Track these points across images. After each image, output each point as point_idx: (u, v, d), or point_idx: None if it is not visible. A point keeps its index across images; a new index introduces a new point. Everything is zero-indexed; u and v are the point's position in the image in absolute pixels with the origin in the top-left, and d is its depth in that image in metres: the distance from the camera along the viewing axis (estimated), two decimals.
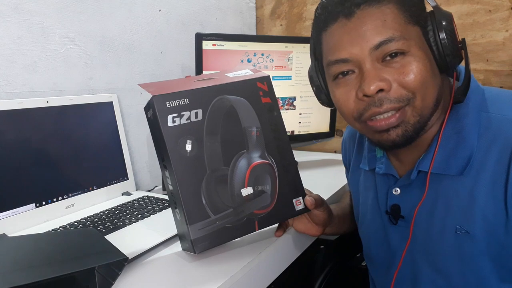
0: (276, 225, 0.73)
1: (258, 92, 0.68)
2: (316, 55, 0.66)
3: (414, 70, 0.55)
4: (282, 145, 0.68)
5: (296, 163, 0.70)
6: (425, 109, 0.57)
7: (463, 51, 0.58)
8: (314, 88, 0.70)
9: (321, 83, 0.67)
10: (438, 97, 0.58)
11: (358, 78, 0.58)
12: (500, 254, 0.56)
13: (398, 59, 0.55)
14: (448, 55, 0.56)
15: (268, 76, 0.69)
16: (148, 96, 0.61)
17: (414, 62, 0.55)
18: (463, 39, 0.58)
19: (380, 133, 0.59)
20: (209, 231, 0.61)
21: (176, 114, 0.61)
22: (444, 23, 0.56)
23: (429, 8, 0.59)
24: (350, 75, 0.59)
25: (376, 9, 0.55)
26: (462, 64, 0.61)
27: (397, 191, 0.66)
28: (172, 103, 0.61)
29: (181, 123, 0.61)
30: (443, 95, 0.60)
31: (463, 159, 0.57)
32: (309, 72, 0.71)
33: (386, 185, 0.68)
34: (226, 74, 0.69)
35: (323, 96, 0.69)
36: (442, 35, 0.56)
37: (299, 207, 0.69)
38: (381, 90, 0.55)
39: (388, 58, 0.55)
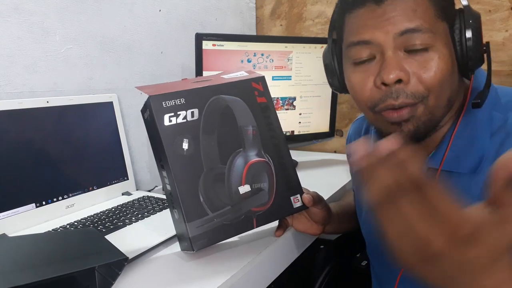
0: (276, 224, 0.73)
1: (253, 92, 0.68)
2: (335, 35, 0.65)
3: (435, 67, 0.54)
4: (279, 143, 0.69)
5: (292, 161, 0.71)
6: (437, 108, 0.56)
7: (485, 54, 0.56)
8: (326, 70, 0.68)
9: (335, 66, 0.66)
10: (451, 98, 0.57)
11: (378, 65, 0.56)
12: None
13: (422, 52, 0.54)
14: (470, 57, 0.55)
15: (263, 77, 0.70)
16: (147, 97, 0.62)
17: (437, 59, 0.54)
18: (488, 43, 0.56)
19: (393, 126, 0.58)
20: (207, 228, 0.62)
21: (172, 114, 0.62)
22: (472, 23, 0.55)
23: (458, 6, 0.58)
24: (370, 61, 0.57)
25: None
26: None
27: None
28: (168, 102, 0.62)
29: (178, 122, 0.62)
30: (457, 96, 0.60)
31: (475, 158, 0.57)
32: (323, 54, 0.69)
33: None
34: (222, 76, 0.70)
35: (336, 80, 0.67)
36: (469, 36, 0.55)
37: (297, 204, 0.69)
38: (399, 81, 0.54)
39: (412, 49, 0.54)
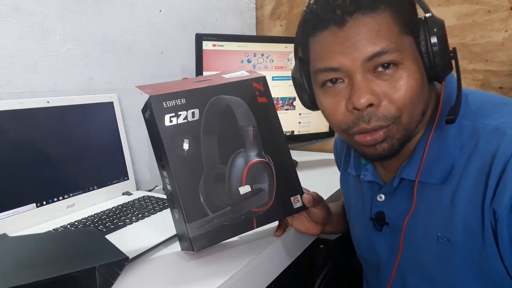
0: (276, 224, 0.73)
1: (254, 92, 0.68)
2: (301, 57, 0.65)
3: (405, 85, 0.53)
4: (279, 143, 0.69)
5: (293, 161, 0.71)
6: (411, 124, 0.56)
7: (453, 60, 0.56)
8: (297, 90, 0.68)
9: (305, 86, 0.66)
10: (424, 109, 0.57)
11: (348, 88, 0.55)
12: (481, 263, 0.55)
13: (390, 71, 0.53)
14: (438, 64, 0.54)
15: (264, 77, 0.70)
16: (148, 96, 0.62)
17: (406, 76, 0.53)
18: (454, 48, 0.56)
19: (367, 147, 0.58)
20: (207, 229, 0.62)
21: (173, 114, 0.61)
22: (436, 31, 0.54)
23: (420, 14, 0.57)
24: (339, 83, 0.57)
25: (370, 18, 0.52)
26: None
27: (381, 197, 0.65)
28: (169, 103, 0.61)
29: (178, 122, 0.62)
30: (429, 105, 0.59)
31: (445, 168, 0.57)
32: (292, 73, 0.69)
33: (370, 191, 0.68)
34: (222, 75, 0.70)
35: (306, 98, 0.67)
36: (434, 44, 0.54)
37: (297, 205, 0.69)
38: (370, 105, 0.53)
39: (380, 68, 0.53)
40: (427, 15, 0.55)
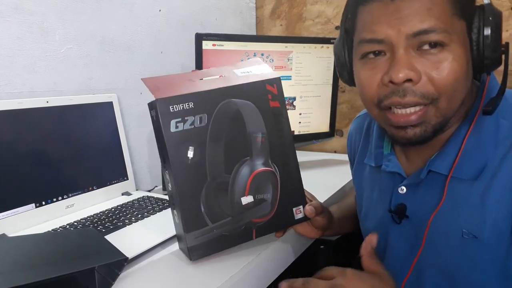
0: None
1: (267, 95, 0.65)
2: (347, 27, 0.63)
3: (448, 68, 0.51)
4: (287, 152, 0.66)
5: (299, 169, 0.69)
6: (449, 110, 0.55)
7: (504, 56, 0.54)
8: (336, 61, 0.66)
9: (346, 59, 0.64)
10: (464, 99, 0.56)
11: (388, 62, 0.54)
12: (506, 262, 0.55)
13: (436, 51, 0.52)
14: (487, 57, 0.53)
15: (279, 78, 0.66)
16: (149, 95, 0.60)
17: (451, 59, 0.51)
18: (507, 43, 0.54)
19: (397, 129, 0.57)
20: (205, 239, 0.61)
21: (179, 119, 0.59)
22: (491, 21, 0.52)
23: (480, 2, 0.55)
24: (380, 57, 0.55)
25: None
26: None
27: (403, 190, 0.64)
28: (176, 107, 0.58)
29: (184, 128, 0.59)
30: (469, 98, 0.58)
31: (478, 165, 0.56)
32: (335, 46, 0.67)
33: (392, 183, 0.67)
34: (234, 70, 0.67)
35: (345, 73, 0.65)
36: (486, 34, 0.52)
37: (299, 215, 0.68)
38: (409, 80, 0.52)
39: (426, 47, 0.52)
40: (486, 1, 0.53)
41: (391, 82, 0.53)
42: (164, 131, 0.58)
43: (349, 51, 0.63)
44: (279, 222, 0.67)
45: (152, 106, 0.60)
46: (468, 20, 0.53)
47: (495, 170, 0.55)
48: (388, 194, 0.67)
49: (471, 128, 0.57)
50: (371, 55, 0.56)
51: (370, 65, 0.56)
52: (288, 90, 1.24)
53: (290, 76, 1.24)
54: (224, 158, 0.62)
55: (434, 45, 0.52)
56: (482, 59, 0.53)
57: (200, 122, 0.60)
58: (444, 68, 0.52)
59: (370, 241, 0.57)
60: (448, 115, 0.55)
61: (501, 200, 0.54)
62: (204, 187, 0.61)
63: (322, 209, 0.71)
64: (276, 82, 0.66)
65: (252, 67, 0.68)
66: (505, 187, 0.54)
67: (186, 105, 0.59)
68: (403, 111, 0.55)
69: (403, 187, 0.64)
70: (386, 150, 0.69)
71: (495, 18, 0.52)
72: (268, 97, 0.65)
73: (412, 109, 0.54)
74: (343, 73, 0.66)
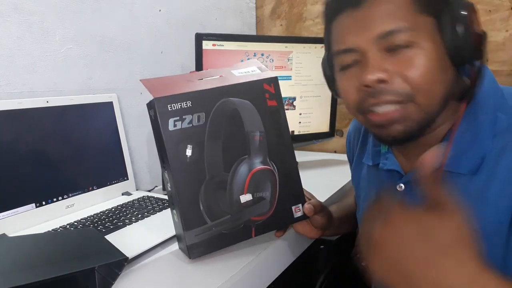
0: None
1: (264, 94, 0.66)
2: (327, 43, 0.65)
3: (418, 64, 0.52)
4: (285, 150, 0.67)
5: (297, 167, 0.69)
6: (431, 106, 0.55)
7: (481, 46, 0.54)
8: (324, 77, 0.69)
9: (331, 74, 0.66)
10: (446, 94, 0.56)
11: (363, 68, 0.56)
12: (505, 255, 0.55)
13: (405, 50, 0.53)
14: (462, 48, 0.53)
15: (276, 78, 0.67)
16: (149, 95, 0.61)
17: (421, 55, 0.52)
18: (484, 33, 0.54)
19: (379, 128, 0.57)
20: (205, 237, 0.61)
21: (177, 118, 0.59)
22: (461, 14, 0.53)
23: None
24: (355, 66, 0.57)
25: None
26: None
27: (401, 187, 0.64)
28: (174, 106, 0.59)
29: (183, 127, 0.60)
30: (455, 92, 0.58)
31: (476, 159, 0.56)
32: (322, 61, 0.70)
33: (390, 181, 0.67)
34: (232, 71, 0.67)
35: (332, 87, 0.68)
36: (458, 27, 0.52)
37: (298, 214, 0.68)
38: (381, 81, 0.54)
39: (395, 48, 0.53)
40: None
41: (365, 86, 0.55)
42: (162, 129, 0.59)
43: (331, 66, 0.65)
44: (278, 221, 0.67)
45: (150, 106, 0.61)
46: (437, 16, 0.54)
47: (494, 164, 0.55)
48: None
49: (458, 121, 0.57)
50: (349, 66, 0.58)
51: (347, 75, 0.59)
52: (288, 90, 1.24)
53: (290, 76, 1.24)
54: (223, 156, 0.63)
55: (402, 45, 0.53)
56: (457, 52, 0.54)
57: (198, 120, 0.61)
58: (415, 64, 0.53)
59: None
60: (431, 111, 0.55)
61: (501, 193, 0.54)
62: (203, 185, 0.61)
63: (321, 207, 0.71)
64: (273, 82, 0.67)
65: (250, 67, 0.69)
66: (504, 180, 0.54)
67: (184, 104, 0.60)
68: (382, 109, 0.56)
69: (402, 185, 0.64)
70: (383, 148, 0.69)
71: (463, 9, 0.53)
72: (265, 96, 0.66)
73: (393, 107, 0.55)
74: (331, 86, 0.69)
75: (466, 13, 0.53)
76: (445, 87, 0.56)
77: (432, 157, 0.42)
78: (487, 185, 0.55)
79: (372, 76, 0.53)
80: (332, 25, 0.60)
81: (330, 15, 0.60)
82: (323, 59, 0.69)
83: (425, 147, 0.61)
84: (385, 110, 0.55)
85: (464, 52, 0.54)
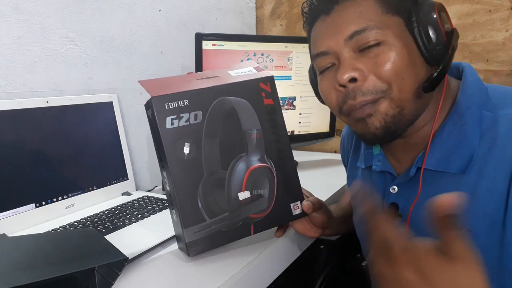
0: (273, 228, 0.72)
1: (261, 93, 0.67)
2: (310, 53, 0.68)
3: (388, 59, 0.55)
4: (283, 148, 0.67)
5: (295, 165, 0.69)
6: (403, 100, 0.56)
7: (452, 40, 0.56)
8: (311, 84, 0.71)
9: (315, 80, 0.68)
10: (418, 87, 0.57)
11: (337, 69, 0.59)
12: (500, 252, 0.55)
13: (374, 49, 0.55)
14: (430, 44, 0.56)
15: (272, 77, 0.68)
16: (148, 96, 0.61)
17: (389, 51, 0.55)
18: (453, 29, 0.57)
19: (359, 123, 0.59)
20: (204, 234, 0.61)
21: (175, 116, 0.60)
22: (427, 12, 0.56)
23: None
24: (332, 68, 0.60)
25: (353, 2, 0.57)
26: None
27: (394, 189, 0.65)
28: (171, 104, 0.60)
29: (180, 125, 0.60)
30: (426, 86, 0.59)
31: (464, 157, 0.57)
32: (308, 71, 0.73)
33: (383, 183, 0.68)
34: (229, 71, 0.68)
35: (317, 92, 0.69)
36: (424, 25, 0.56)
37: (297, 211, 0.68)
38: (354, 80, 0.56)
39: (364, 48, 0.56)
40: None
41: (341, 86, 0.57)
42: (160, 127, 0.59)
43: (315, 72, 0.67)
44: (277, 218, 0.67)
45: (148, 105, 0.62)
46: (405, 16, 0.57)
47: (483, 162, 0.55)
48: (380, 195, 0.68)
49: (441, 120, 0.59)
50: (326, 69, 0.61)
51: (326, 77, 0.62)
52: (288, 90, 1.24)
53: (290, 76, 1.24)
54: (220, 154, 0.63)
55: (372, 43, 0.55)
56: (424, 48, 0.56)
57: (195, 119, 0.61)
58: (384, 59, 0.55)
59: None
60: (405, 106, 0.56)
61: (491, 191, 0.54)
62: (201, 183, 0.62)
63: (320, 205, 0.72)
64: (269, 80, 0.68)
65: (246, 68, 0.70)
66: (493, 178, 0.54)
67: (181, 103, 0.61)
68: (360, 106, 0.58)
69: (395, 187, 0.65)
70: (375, 150, 0.70)
71: (430, 9, 0.56)
72: (261, 95, 0.67)
73: (369, 106, 0.57)
74: (316, 92, 0.70)
75: (434, 11, 0.56)
76: (417, 81, 0.57)
77: (449, 201, 0.39)
78: (476, 184, 0.55)
79: (345, 76, 0.56)
80: (311, 33, 0.63)
81: (308, 24, 0.64)
82: (309, 67, 0.71)
83: (413, 147, 0.62)
84: (363, 107, 0.57)
85: (432, 47, 0.56)
